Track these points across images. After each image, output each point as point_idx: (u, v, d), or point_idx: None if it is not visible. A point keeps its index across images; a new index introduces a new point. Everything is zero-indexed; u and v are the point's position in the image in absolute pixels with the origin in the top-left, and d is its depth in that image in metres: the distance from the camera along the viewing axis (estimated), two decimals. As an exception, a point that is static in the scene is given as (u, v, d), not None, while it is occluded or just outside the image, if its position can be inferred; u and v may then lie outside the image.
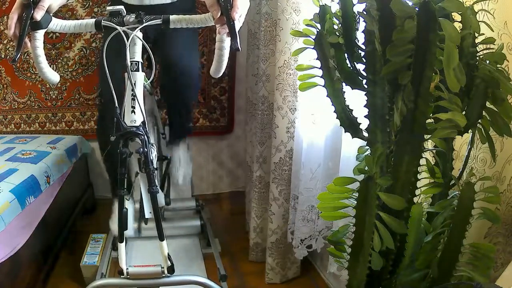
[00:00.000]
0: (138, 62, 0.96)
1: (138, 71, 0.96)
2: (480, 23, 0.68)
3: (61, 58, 2.07)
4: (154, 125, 1.64)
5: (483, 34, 0.70)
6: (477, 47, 0.70)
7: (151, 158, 0.96)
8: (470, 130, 0.74)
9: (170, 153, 1.67)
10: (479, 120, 0.72)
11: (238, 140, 2.30)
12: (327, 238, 0.94)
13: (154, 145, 1.16)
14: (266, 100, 1.53)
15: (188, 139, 1.68)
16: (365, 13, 0.76)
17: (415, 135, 0.71)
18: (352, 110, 0.89)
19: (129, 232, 1.47)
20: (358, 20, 0.84)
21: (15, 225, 1.26)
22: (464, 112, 0.70)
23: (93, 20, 0.92)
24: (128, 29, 0.91)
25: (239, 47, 0.82)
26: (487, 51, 0.70)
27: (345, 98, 0.89)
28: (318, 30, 0.86)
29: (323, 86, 0.88)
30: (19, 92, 2.12)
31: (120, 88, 0.95)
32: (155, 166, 0.99)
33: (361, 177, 0.75)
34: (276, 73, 1.38)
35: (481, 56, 0.70)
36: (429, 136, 0.72)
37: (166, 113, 1.68)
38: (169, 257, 1.02)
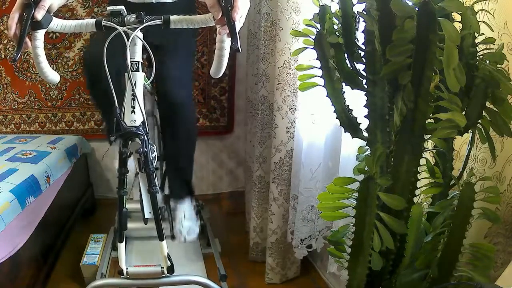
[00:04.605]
0: (138, 62, 0.96)
1: (138, 71, 0.96)
2: (480, 23, 0.69)
3: (61, 58, 2.07)
4: (154, 125, 1.64)
5: (483, 34, 0.70)
6: (477, 47, 0.70)
7: (151, 158, 0.96)
8: (470, 130, 0.74)
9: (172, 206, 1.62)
10: (479, 120, 0.72)
11: (238, 140, 2.30)
12: (327, 238, 0.94)
13: (154, 145, 1.16)
14: (266, 100, 1.53)
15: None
16: (365, 13, 0.76)
17: (415, 135, 0.71)
18: (352, 110, 0.89)
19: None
20: (358, 20, 0.84)
21: (15, 225, 1.26)
22: (464, 112, 0.71)
23: (93, 20, 0.92)
24: (128, 29, 0.91)
25: (239, 48, 0.82)
26: (487, 51, 0.70)
27: (345, 98, 0.89)
28: (318, 30, 0.86)
29: (323, 86, 0.89)
30: (19, 92, 2.12)
31: (119, 88, 0.95)
32: (155, 166, 0.99)
33: (361, 177, 0.75)
34: (276, 73, 1.38)
35: (481, 56, 0.70)
36: (429, 136, 0.72)
37: (166, 166, 1.64)
38: (169, 257, 1.02)
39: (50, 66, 0.92)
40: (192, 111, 1.54)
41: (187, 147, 1.56)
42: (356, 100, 0.88)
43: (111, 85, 0.88)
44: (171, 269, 1.03)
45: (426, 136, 0.72)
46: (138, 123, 0.94)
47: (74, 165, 1.86)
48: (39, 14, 0.85)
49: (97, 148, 2.20)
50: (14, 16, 0.84)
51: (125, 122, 0.93)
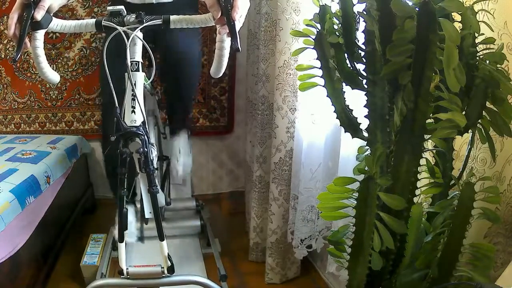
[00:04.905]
0: (138, 62, 0.96)
1: (138, 71, 0.96)
2: (480, 23, 0.69)
3: (61, 58, 2.07)
4: (155, 125, 1.64)
5: (483, 34, 0.70)
6: (477, 47, 0.70)
7: (151, 158, 0.96)
8: (470, 130, 0.74)
9: (170, 143, 1.65)
10: (479, 120, 0.72)
11: (238, 140, 2.30)
12: (327, 238, 0.94)
13: (154, 145, 1.16)
14: (266, 100, 1.53)
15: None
16: (365, 13, 0.76)
17: (415, 135, 0.71)
18: (352, 110, 0.89)
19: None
20: (358, 20, 0.84)
21: (15, 225, 1.26)
22: (464, 112, 0.70)
23: (93, 20, 0.92)
24: (128, 29, 0.91)
25: (239, 48, 0.82)
26: (487, 51, 0.70)
27: (345, 98, 0.89)
28: (318, 30, 0.86)
29: (323, 86, 0.89)
30: (19, 92, 2.12)
31: (120, 88, 0.95)
32: (155, 166, 0.99)
33: (361, 177, 0.75)
34: (276, 73, 1.38)
35: (481, 56, 0.70)
36: (429, 136, 0.72)
37: (167, 101, 1.66)
38: (169, 257, 1.02)
39: (50, 66, 0.92)
40: (195, 60, 1.54)
41: (189, 81, 1.56)
42: (356, 100, 0.88)
43: (111, 85, 0.88)
44: (171, 269, 1.03)
45: (426, 136, 0.72)
46: (138, 123, 0.94)
47: (74, 165, 1.86)
48: (39, 14, 0.85)
49: (97, 148, 2.20)
50: (14, 16, 0.84)
51: (125, 122, 0.93)
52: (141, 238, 1.66)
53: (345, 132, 0.90)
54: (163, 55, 1.47)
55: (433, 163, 0.82)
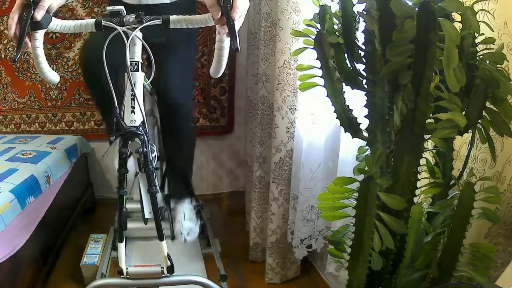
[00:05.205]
0: (138, 62, 0.96)
1: (138, 71, 0.96)
2: (480, 23, 0.68)
3: (61, 58, 2.07)
4: (154, 125, 1.64)
5: (483, 34, 0.70)
6: (477, 47, 0.70)
7: (151, 158, 0.96)
8: (470, 130, 0.74)
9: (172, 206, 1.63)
10: (479, 120, 0.72)
11: (238, 140, 2.30)
12: (327, 238, 0.94)
13: (154, 145, 1.16)
14: (266, 100, 1.53)
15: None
16: (365, 13, 0.76)
17: (415, 135, 0.71)
18: (352, 110, 0.89)
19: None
20: (358, 20, 0.84)
21: (15, 225, 1.26)
22: (464, 112, 0.70)
23: (93, 20, 0.92)
24: (128, 29, 0.91)
25: (239, 48, 0.82)
26: (487, 51, 0.70)
27: (345, 98, 0.89)
28: (318, 30, 0.86)
29: (323, 86, 0.88)
30: (19, 92, 2.12)
31: (119, 88, 0.95)
32: (155, 166, 1.00)
33: (361, 177, 0.75)
34: (276, 73, 1.38)
35: (481, 56, 0.70)
36: (429, 136, 0.72)
37: (166, 165, 1.65)
38: (168, 257, 1.02)
39: (50, 66, 0.92)
40: (190, 111, 1.55)
41: (187, 147, 1.57)
42: (356, 100, 0.88)
43: (111, 85, 0.88)
44: (171, 269, 1.03)
45: (426, 136, 0.72)
46: (137, 123, 0.94)
47: (74, 165, 1.86)
48: (39, 15, 0.85)
49: (97, 148, 2.20)
50: (14, 16, 0.84)
51: (124, 122, 0.93)
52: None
53: (345, 132, 0.90)
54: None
55: (433, 163, 0.82)
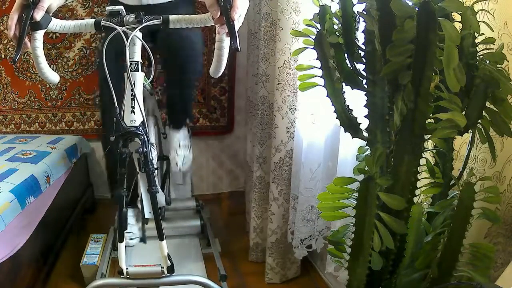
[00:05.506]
0: (138, 62, 0.96)
1: (138, 71, 0.96)
2: (480, 23, 0.68)
3: (61, 58, 2.07)
4: (155, 125, 1.64)
5: (483, 34, 0.70)
6: (477, 47, 0.70)
7: (151, 158, 0.96)
8: (470, 130, 0.74)
9: (169, 136, 1.64)
10: (479, 120, 0.72)
11: (238, 140, 2.30)
12: (327, 238, 0.94)
13: (154, 145, 1.16)
14: (266, 100, 1.53)
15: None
16: (365, 13, 0.76)
17: (415, 135, 0.71)
18: (352, 110, 0.89)
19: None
20: (358, 20, 0.84)
21: (15, 225, 1.26)
22: (464, 112, 0.70)
23: (93, 20, 0.92)
24: (127, 29, 0.91)
25: (239, 47, 0.82)
26: (487, 51, 0.70)
27: (345, 98, 0.89)
28: (318, 30, 0.86)
29: (323, 86, 0.88)
30: (19, 92, 2.12)
31: (119, 88, 0.95)
32: (155, 166, 1.00)
33: (361, 177, 0.75)
34: (276, 73, 1.38)
35: (481, 56, 0.70)
36: (429, 136, 0.72)
37: (167, 91, 1.65)
38: (169, 257, 1.02)
39: (50, 66, 0.93)
40: (194, 44, 1.53)
41: (188, 74, 1.55)
42: (356, 100, 0.88)
43: (111, 86, 0.88)
44: (171, 269, 1.03)
45: (426, 136, 0.72)
46: (137, 123, 0.94)
47: (74, 165, 1.86)
48: (38, 15, 0.85)
49: (97, 148, 2.20)
50: (14, 16, 0.84)
51: (124, 122, 0.93)
52: (143, 239, 1.66)
53: (345, 132, 0.90)
54: (164, 44, 1.46)
55: (433, 163, 0.82)
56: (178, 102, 1.60)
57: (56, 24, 0.91)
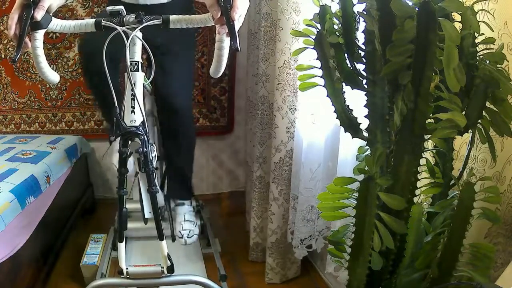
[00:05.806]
0: (138, 62, 0.96)
1: (138, 71, 0.96)
2: (480, 23, 0.68)
3: (61, 58, 2.07)
4: (154, 125, 1.64)
5: (483, 34, 0.70)
6: (477, 47, 0.70)
7: (151, 158, 0.96)
8: (470, 130, 0.74)
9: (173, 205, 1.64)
10: (479, 120, 0.72)
11: (238, 140, 2.30)
12: (327, 238, 0.94)
13: (154, 144, 1.16)
14: (266, 100, 1.53)
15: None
16: (365, 13, 0.76)
17: (415, 135, 0.71)
18: (352, 110, 0.89)
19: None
20: (358, 20, 0.84)
21: (15, 225, 1.26)
22: (464, 112, 0.70)
23: (93, 20, 0.92)
24: (128, 29, 0.91)
25: (239, 47, 0.82)
26: (487, 51, 0.70)
27: (345, 98, 0.89)
28: (318, 30, 0.86)
29: (323, 86, 0.88)
30: (19, 92, 2.12)
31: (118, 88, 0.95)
32: (155, 166, 1.00)
33: (361, 177, 0.75)
34: (276, 73, 1.38)
35: (481, 56, 0.70)
36: (429, 136, 0.72)
37: (167, 163, 1.66)
38: (169, 257, 1.02)
39: (50, 66, 0.92)
40: (191, 114, 1.55)
41: (187, 147, 1.57)
42: (356, 100, 0.88)
43: (111, 85, 0.88)
44: (171, 269, 1.03)
45: (426, 136, 0.72)
46: (137, 123, 0.94)
47: (74, 165, 1.86)
48: (38, 15, 0.85)
49: (97, 148, 2.20)
50: (14, 16, 0.84)
51: (124, 122, 0.93)
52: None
53: (345, 132, 0.90)
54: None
55: (433, 163, 0.82)
56: (178, 176, 1.61)
57: (57, 24, 0.91)
